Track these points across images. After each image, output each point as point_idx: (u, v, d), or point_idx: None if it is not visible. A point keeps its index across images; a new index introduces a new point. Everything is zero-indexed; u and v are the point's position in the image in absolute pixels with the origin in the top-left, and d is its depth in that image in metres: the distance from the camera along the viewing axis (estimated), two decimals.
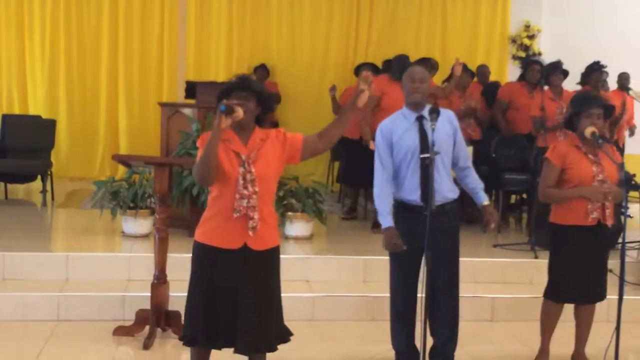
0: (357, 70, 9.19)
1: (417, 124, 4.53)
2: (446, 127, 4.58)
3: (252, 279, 3.77)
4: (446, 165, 4.58)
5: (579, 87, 8.27)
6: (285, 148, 3.85)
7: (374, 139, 6.64)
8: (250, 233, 3.74)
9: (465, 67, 8.64)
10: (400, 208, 4.60)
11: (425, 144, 4.45)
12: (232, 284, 3.75)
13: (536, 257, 6.63)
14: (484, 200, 4.67)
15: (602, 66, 8.53)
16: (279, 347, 3.89)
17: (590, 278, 4.82)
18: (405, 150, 4.50)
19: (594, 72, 8.53)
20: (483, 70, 9.79)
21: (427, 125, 4.48)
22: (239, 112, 3.67)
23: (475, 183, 4.70)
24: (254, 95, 3.80)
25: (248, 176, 3.72)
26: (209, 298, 3.77)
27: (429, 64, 8.15)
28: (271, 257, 3.87)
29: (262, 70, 10.66)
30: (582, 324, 5.00)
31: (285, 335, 3.96)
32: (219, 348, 3.85)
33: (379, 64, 8.98)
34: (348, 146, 8.16)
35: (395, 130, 4.56)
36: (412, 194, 4.48)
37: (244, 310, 3.75)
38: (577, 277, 4.79)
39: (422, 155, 4.41)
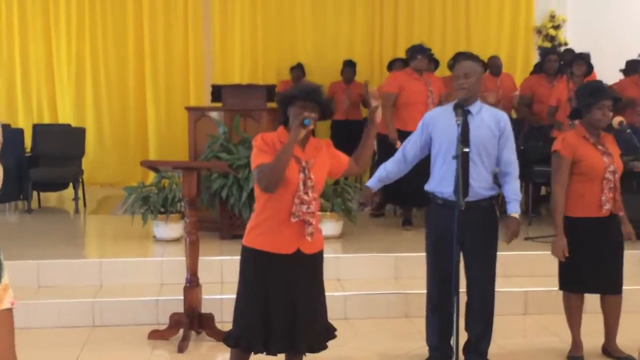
0: (390, 66, 9.08)
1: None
2: (492, 125, 4.52)
3: (305, 282, 3.81)
4: (484, 162, 4.51)
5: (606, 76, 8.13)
6: (333, 162, 3.92)
7: (399, 139, 6.54)
8: (309, 239, 3.77)
9: (477, 60, 8.53)
10: (435, 203, 4.60)
11: (465, 139, 4.41)
12: (288, 289, 3.77)
13: None
14: (511, 211, 4.56)
15: None
16: None
17: (603, 268, 4.79)
18: (441, 143, 4.49)
19: None
20: (495, 62, 9.67)
21: (471, 120, 4.47)
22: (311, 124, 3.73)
23: (509, 193, 4.58)
24: (319, 106, 3.81)
25: (308, 182, 3.75)
26: (265, 303, 3.77)
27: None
28: (319, 259, 3.92)
29: (299, 70, 10.55)
30: (608, 315, 4.95)
31: (331, 332, 4.01)
32: (274, 353, 3.85)
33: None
34: (381, 142, 8.09)
35: (437, 123, 4.56)
36: (446, 186, 4.44)
37: (302, 313, 3.78)
38: (588, 267, 4.76)
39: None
